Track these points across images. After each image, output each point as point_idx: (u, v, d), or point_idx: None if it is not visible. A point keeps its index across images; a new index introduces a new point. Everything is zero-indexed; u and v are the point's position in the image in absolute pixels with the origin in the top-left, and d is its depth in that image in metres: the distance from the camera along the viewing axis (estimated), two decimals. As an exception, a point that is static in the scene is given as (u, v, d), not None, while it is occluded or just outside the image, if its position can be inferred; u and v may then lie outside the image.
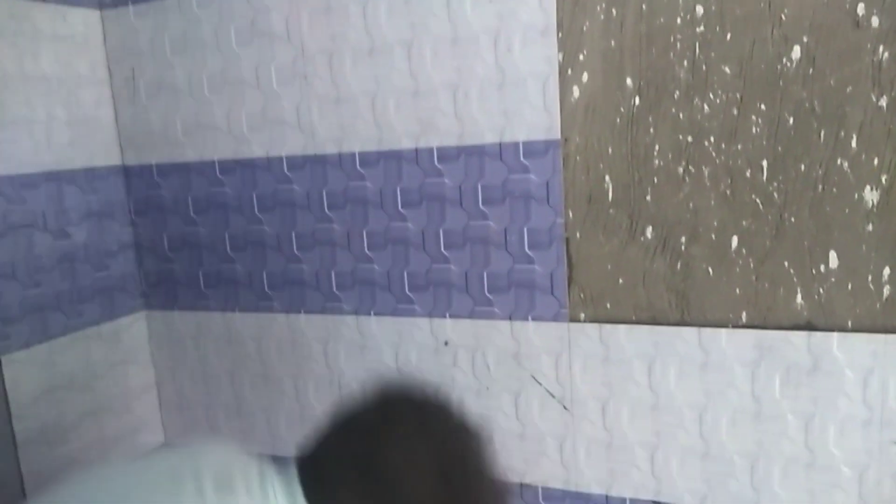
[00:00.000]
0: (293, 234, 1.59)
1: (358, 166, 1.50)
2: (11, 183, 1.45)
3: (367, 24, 1.43)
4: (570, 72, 1.31)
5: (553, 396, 1.45)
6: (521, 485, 1.51)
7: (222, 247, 1.67)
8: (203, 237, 1.68)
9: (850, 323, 1.24)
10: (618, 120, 1.31)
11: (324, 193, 1.55)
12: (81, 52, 1.60)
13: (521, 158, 1.36)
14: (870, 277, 1.23)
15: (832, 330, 1.25)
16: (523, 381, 1.46)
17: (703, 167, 1.28)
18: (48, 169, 1.52)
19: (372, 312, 1.57)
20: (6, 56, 1.43)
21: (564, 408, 1.44)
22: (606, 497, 1.45)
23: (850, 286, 1.24)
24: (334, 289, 1.59)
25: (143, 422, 1.78)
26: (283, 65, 1.51)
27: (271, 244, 1.62)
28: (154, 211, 1.71)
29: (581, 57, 1.31)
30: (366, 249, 1.54)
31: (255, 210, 1.61)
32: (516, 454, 1.50)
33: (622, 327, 1.37)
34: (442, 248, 1.47)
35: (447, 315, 1.50)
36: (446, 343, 1.51)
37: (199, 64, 1.58)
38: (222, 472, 0.81)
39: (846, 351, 1.24)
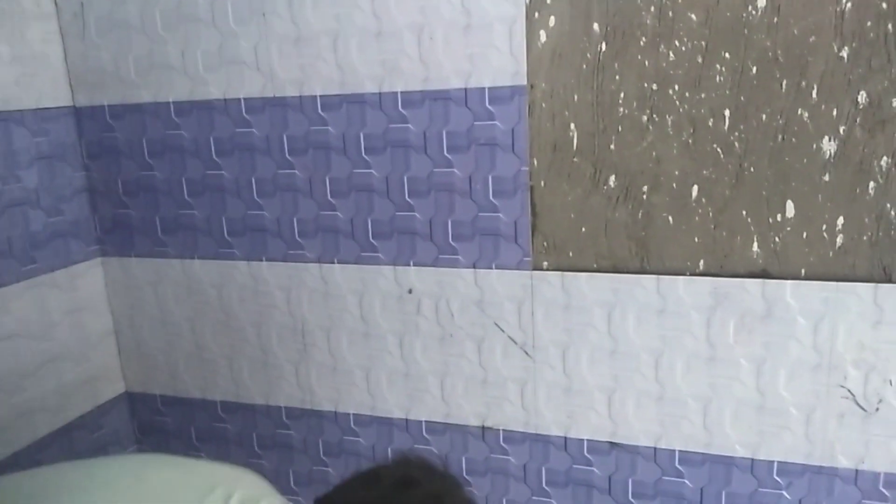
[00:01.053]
0: (253, 180, 1.56)
1: (319, 110, 1.47)
2: (-47, 122, 1.38)
3: (329, -40, 1.38)
4: (536, 15, 1.29)
5: (515, 343, 1.47)
6: (484, 428, 1.54)
7: (179, 192, 1.62)
8: (159, 182, 1.63)
9: (803, 271, 1.28)
10: (584, 66, 1.30)
11: (284, 138, 1.51)
12: (24, -15, 1.51)
13: (487, 105, 1.35)
14: (824, 227, 1.26)
15: (786, 278, 1.28)
16: (486, 328, 1.48)
17: (667, 116, 1.29)
18: (-7, 109, 1.45)
19: (335, 260, 1.55)
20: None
21: (526, 354, 1.46)
22: (565, 439, 1.49)
23: (805, 235, 1.27)
24: (297, 236, 1.57)
25: (102, 370, 1.76)
26: (240, 1, 1.45)
27: (231, 189, 1.58)
28: (108, 154, 1.65)
29: (548, 0, 1.28)
30: (329, 196, 1.52)
31: (213, 154, 1.57)
32: (479, 399, 1.53)
33: (584, 275, 1.39)
34: (406, 196, 1.46)
35: (411, 263, 1.50)
36: (410, 291, 1.51)
37: (151, -1, 1.51)
38: (250, 497, 0.86)
39: (799, 298, 1.28)
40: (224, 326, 1.68)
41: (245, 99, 1.51)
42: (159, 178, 1.63)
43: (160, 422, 1.82)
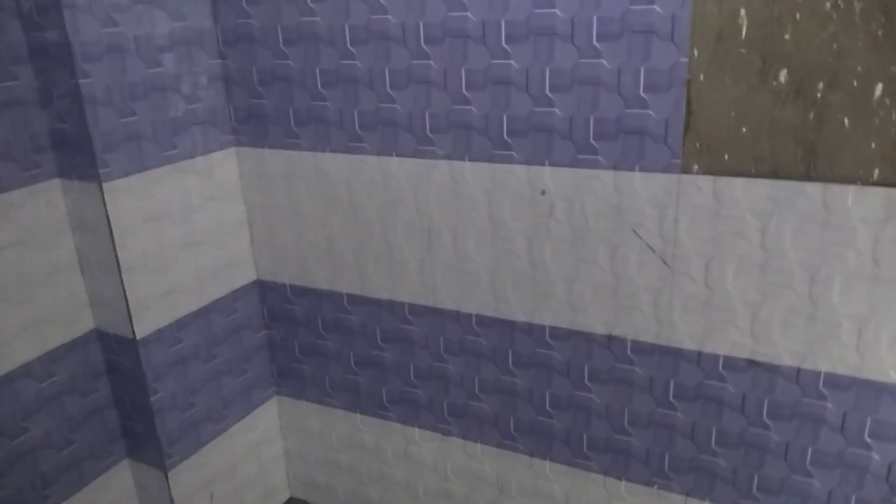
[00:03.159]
0: (386, 71, 1.52)
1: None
2: (103, 4, 1.40)
3: None
4: None
5: (653, 251, 1.39)
6: (610, 337, 1.50)
7: (313, 83, 1.61)
8: (293, 72, 1.62)
9: None
10: (763, -57, 1.15)
11: (420, 25, 1.45)
12: None
13: (646, -13, 1.23)
14: None
15: (979, 191, 1.14)
16: (622, 234, 1.41)
17: (855, 2, 1.13)
18: (138, -9, 1.46)
19: (466, 157, 1.51)
20: None
21: (664, 263, 1.39)
22: (699, 353, 1.43)
23: None
24: (428, 131, 1.53)
25: (235, 257, 1.82)
26: None
27: (363, 81, 1.55)
28: (243, 41, 1.65)
29: None
30: (463, 89, 1.46)
31: (348, 43, 1.53)
32: (608, 307, 1.48)
33: (739, 180, 1.28)
34: (547, 90, 1.38)
35: (546, 163, 1.43)
36: (543, 192, 1.46)
37: None
38: None
39: None
40: (352, 220, 1.69)
41: (382, -17, 1.45)
42: (293, 67, 1.61)
43: (289, 310, 1.89)
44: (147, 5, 1.49)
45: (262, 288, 1.90)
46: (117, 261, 1.51)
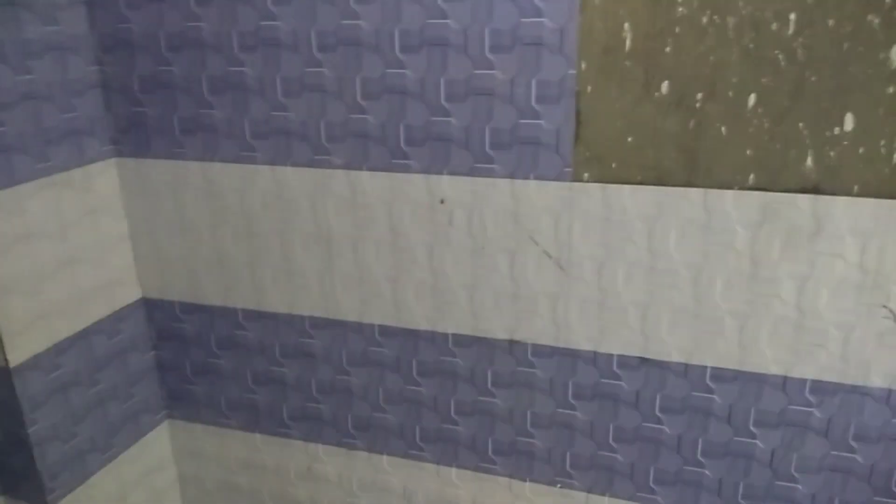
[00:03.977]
0: (278, 79, 1.48)
1: (352, 2, 1.37)
2: (-41, 4, 1.28)
3: None
4: None
5: (550, 257, 1.43)
6: (512, 342, 1.53)
7: (199, 90, 1.54)
8: (178, 79, 1.54)
9: (856, 188, 1.23)
10: (643, -39, 1.21)
11: (313, 32, 1.42)
12: None
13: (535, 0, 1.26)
14: (882, 142, 1.20)
15: (838, 194, 1.24)
16: (520, 241, 1.44)
17: (729, 18, 1.21)
18: (0, -9, 1.35)
19: (364, 167, 1.49)
20: None
21: (560, 268, 1.43)
22: (595, 353, 1.48)
23: (861, 150, 1.22)
24: (324, 140, 1.50)
25: (117, 274, 1.71)
26: None
27: (254, 88, 1.50)
28: (122, 47, 1.55)
29: None
30: (359, 98, 1.44)
31: (236, 49, 1.48)
32: (508, 313, 1.50)
33: (627, 188, 1.34)
34: (442, 100, 1.39)
35: (445, 172, 1.44)
36: (442, 201, 1.46)
37: None
38: None
39: (850, 216, 1.24)
40: (246, 233, 1.63)
41: (271, -11, 1.41)
42: (177, 74, 1.54)
43: (179, 328, 1.80)
44: (13, 7, 1.37)
45: (147, 306, 1.80)
46: (-17, 283, 1.39)
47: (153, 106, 1.58)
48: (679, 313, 1.39)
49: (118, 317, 1.73)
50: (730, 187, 1.29)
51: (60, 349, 1.58)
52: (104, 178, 1.64)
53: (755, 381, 1.39)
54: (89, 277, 1.63)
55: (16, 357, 1.47)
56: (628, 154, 1.32)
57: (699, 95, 1.25)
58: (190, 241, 1.69)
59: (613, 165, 1.34)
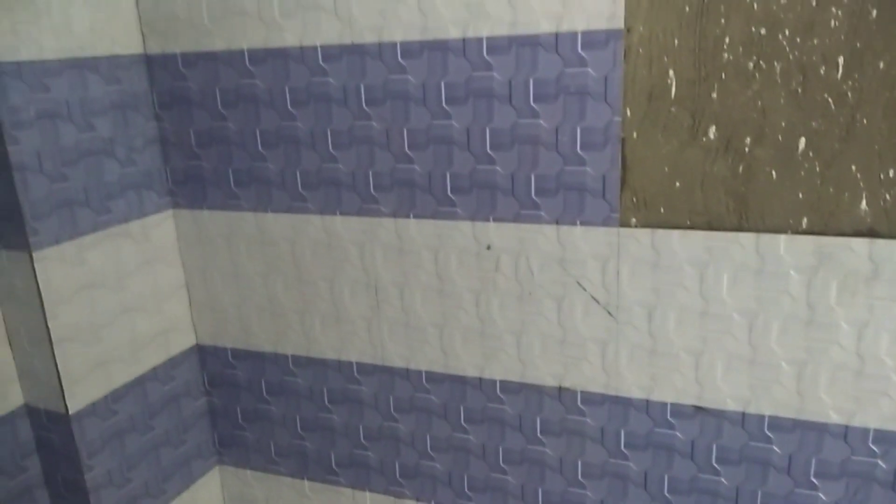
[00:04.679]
0: (328, 131, 1.52)
1: (399, 58, 1.41)
2: (34, 69, 1.36)
3: None
4: (637, -46, 1.21)
5: (598, 302, 1.42)
6: (561, 389, 1.51)
7: (253, 144, 1.59)
8: (232, 133, 1.60)
9: (915, 230, 1.20)
10: (686, 9, 1.22)
11: (362, 87, 1.46)
12: (97, -72, 1.47)
13: (579, 50, 1.28)
14: (941, 183, 1.17)
15: (895, 237, 1.21)
16: (568, 286, 1.43)
17: (775, 63, 1.20)
18: (70, 55, 1.43)
19: (411, 215, 1.51)
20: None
21: (609, 314, 1.42)
22: (647, 401, 1.45)
23: (919, 192, 1.19)
24: (372, 190, 1.53)
25: (173, 322, 1.76)
26: (320, -56, 1.40)
27: (305, 141, 1.55)
28: (180, 104, 1.62)
29: (651, -62, 1.20)
30: (406, 148, 1.47)
31: (288, 104, 1.53)
32: (556, 359, 1.49)
33: (675, 233, 1.32)
34: (488, 149, 1.41)
35: (491, 218, 1.45)
36: (489, 247, 1.47)
37: (226, -58, 1.46)
38: None
39: (910, 259, 1.20)
40: (296, 281, 1.67)
41: (322, 46, 1.46)
42: (232, 129, 1.60)
43: (230, 374, 1.83)
44: (80, 69, 1.45)
45: (201, 353, 1.84)
46: (48, 332, 1.44)
47: (209, 159, 1.65)
48: (734, 360, 1.36)
49: (172, 363, 1.77)
50: (782, 231, 1.26)
51: (117, 396, 1.62)
52: (161, 228, 1.70)
53: (815, 431, 1.34)
54: (146, 325, 1.68)
55: (75, 404, 1.51)
56: (676, 199, 1.31)
57: (748, 140, 1.24)
58: (243, 288, 1.73)
59: (662, 210, 1.33)
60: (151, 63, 1.61)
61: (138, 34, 1.59)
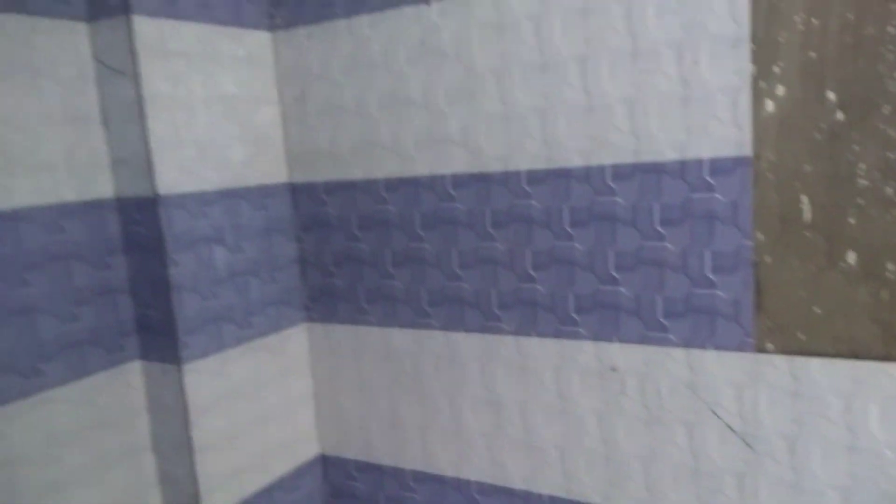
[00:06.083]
0: (454, 252, 1.59)
1: (524, 184, 1.48)
2: (195, 200, 1.52)
3: (540, 40, 1.40)
4: (763, 85, 1.23)
5: (733, 431, 1.35)
6: (693, 522, 1.42)
7: (383, 263, 1.69)
8: (365, 253, 1.71)
9: None
10: (817, 136, 1.21)
11: (487, 212, 1.53)
12: (255, 73, 1.67)
13: (706, 176, 1.29)
14: None
15: None
16: (700, 413, 1.38)
17: (918, 187, 1.17)
18: (225, 186, 1.59)
19: (533, 333, 1.53)
20: (194, 79, 1.52)
21: (746, 444, 1.35)
22: (791, 542, 1.34)
23: None
24: (494, 308, 1.57)
25: (300, 432, 1.83)
26: (452, 83, 1.51)
27: (431, 261, 1.62)
28: (319, 227, 1.76)
29: (776, 69, 1.22)
30: (529, 269, 1.51)
31: (417, 227, 1.62)
32: (689, 490, 1.42)
33: (816, 360, 1.26)
34: (611, 270, 1.42)
35: (615, 339, 1.44)
36: (613, 369, 1.45)
37: (367, 84, 1.61)
38: None
39: None
40: (418, 395, 1.70)
41: (451, 175, 1.55)
42: (365, 249, 1.70)
43: (352, 487, 1.85)
44: (234, 198, 1.61)
45: (325, 463, 1.88)
46: (190, 441, 1.53)
47: (342, 277, 1.75)
48: (890, 500, 1.24)
49: (298, 473, 1.82)
50: (939, 362, 1.18)
51: (246, 504, 1.68)
52: (296, 341, 1.80)
53: None
54: (276, 434, 1.75)
55: (210, 511, 1.58)
56: (816, 325, 1.26)
57: (890, 266, 1.19)
58: (367, 400, 1.78)
59: (800, 336, 1.28)
60: (296, 191, 1.77)
61: (285, 165, 1.75)
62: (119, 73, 1.43)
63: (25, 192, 1.35)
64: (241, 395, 1.65)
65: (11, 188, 1.33)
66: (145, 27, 1.41)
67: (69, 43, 1.42)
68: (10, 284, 1.33)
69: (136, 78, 1.41)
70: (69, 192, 1.42)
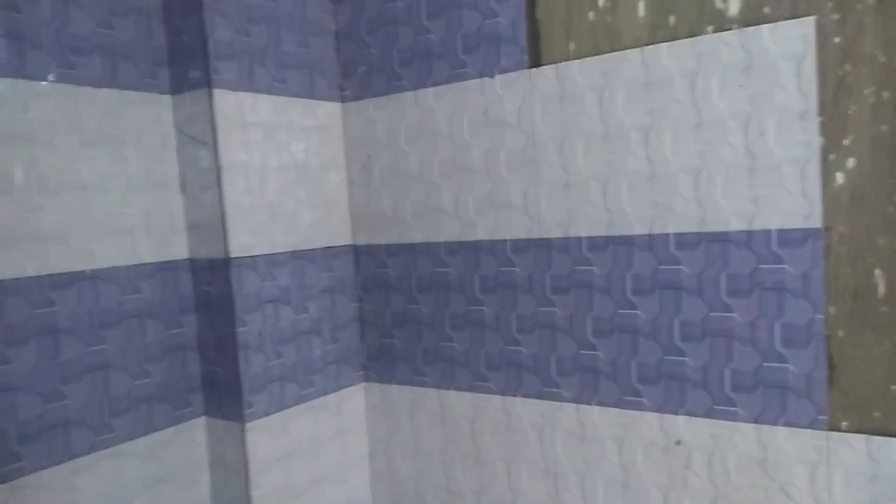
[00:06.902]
0: (513, 316, 1.59)
1: (584, 251, 1.48)
2: (266, 262, 1.57)
3: (603, 111, 1.42)
4: (833, 157, 1.22)
5: (806, 512, 1.29)
6: None
7: (442, 325, 1.70)
8: (424, 315, 1.72)
9: None
10: (891, 209, 1.18)
11: (547, 277, 1.53)
12: (325, 142, 1.74)
13: (774, 247, 1.27)
14: None
15: None
16: (770, 492, 1.33)
17: None
18: (294, 248, 1.64)
19: (594, 402, 1.51)
20: (268, 148, 1.59)
21: (820, 527, 1.28)
22: None
23: None
24: (553, 374, 1.55)
25: (355, 494, 1.82)
26: (513, 151, 1.54)
27: (490, 325, 1.62)
28: (380, 288, 1.79)
29: (846, 142, 1.21)
30: (589, 336, 1.50)
31: (477, 291, 1.63)
32: (759, 573, 1.35)
33: (895, 441, 1.21)
34: (676, 340, 1.39)
35: (680, 412, 1.41)
36: (678, 442, 1.41)
37: (431, 151, 1.66)
38: None
39: None
40: (474, 460, 1.68)
41: (511, 240, 1.57)
42: (424, 311, 1.72)
43: (405, 552, 1.83)
44: (301, 260, 1.66)
45: (380, 527, 1.87)
46: (250, 500, 1.55)
47: (401, 338, 1.77)
48: None
49: (351, 535, 1.81)
50: None
51: (300, 565, 1.67)
52: (353, 401, 1.81)
53: None
54: (331, 495, 1.75)
55: (265, 572, 1.58)
56: (894, 403, 1.21)
57: (977, 344, 1.14)
58: (422, 464, 1.77)
59: (877, 415, 1.22)
60: (359, 253, 1.81)
61: (349, 228, 1.80)
62: (199, 142, 1.51)
63: (106, 254, 1.43)
64: (300, 455, 1.66)
65: (94, 250, 1.41)
66: (225, 100, 1.50)
67: (154, 114, 1.51)
68: (86, 342, 1.39)
69: (214, 147, 1.49)
70: (146, 254, 1.49)
